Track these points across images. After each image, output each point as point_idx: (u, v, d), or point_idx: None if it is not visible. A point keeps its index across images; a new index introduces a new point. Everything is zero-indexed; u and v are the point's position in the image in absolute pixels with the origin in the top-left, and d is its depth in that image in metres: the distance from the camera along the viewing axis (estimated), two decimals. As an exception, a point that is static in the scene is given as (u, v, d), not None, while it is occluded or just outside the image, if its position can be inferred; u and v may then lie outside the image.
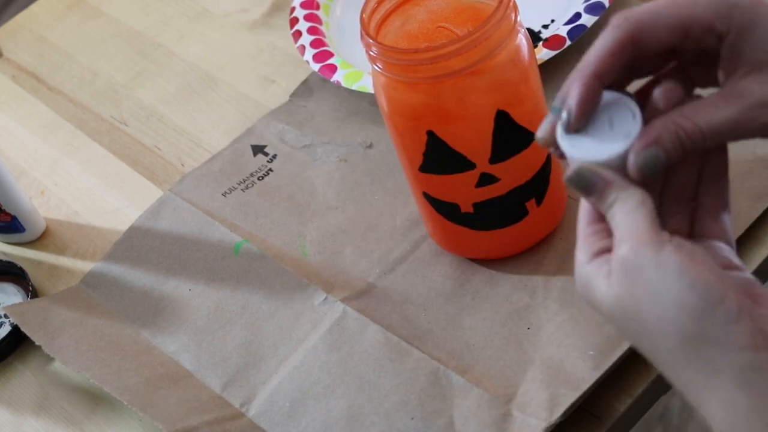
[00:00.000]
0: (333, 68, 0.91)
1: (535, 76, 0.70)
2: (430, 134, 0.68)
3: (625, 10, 0.50)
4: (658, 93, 0.50)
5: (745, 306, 0.45)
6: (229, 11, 1.07)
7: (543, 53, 0.85)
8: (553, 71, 0.87)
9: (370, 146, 0.88)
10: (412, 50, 0.65)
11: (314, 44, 0.94)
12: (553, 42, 0.86)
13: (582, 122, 0.50)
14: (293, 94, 0.95)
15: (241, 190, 0.88)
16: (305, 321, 0.77)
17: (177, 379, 0.76)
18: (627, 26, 0.49)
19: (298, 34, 0.96)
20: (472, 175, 0.70)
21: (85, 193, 0.95)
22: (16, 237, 0.91)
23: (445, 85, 0.66)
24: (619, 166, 0.50)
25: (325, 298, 0.77)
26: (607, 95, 0.51)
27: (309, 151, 0.89)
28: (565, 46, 0.86)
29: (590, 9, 0.87)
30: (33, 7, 1.17)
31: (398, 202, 0.82)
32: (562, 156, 0.51)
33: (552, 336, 0.70)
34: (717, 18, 0.48)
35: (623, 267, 0.47)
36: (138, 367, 0.77)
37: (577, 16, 0.87)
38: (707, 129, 0.48)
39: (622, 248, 0.47)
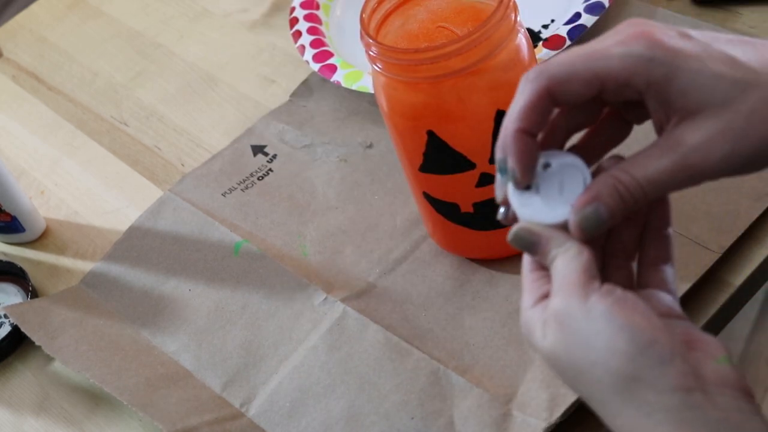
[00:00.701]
0: (333, 68, 0.91)
1: (535, 76, 0.69)
2: (430, 134, 0.68)
3: (541, 64, 0.50)
4: (606, 163, 0.51)
5: (678, 348, 0.46)
6: (229, 11, 1.07)
7: (543, 53, 0.85)
8: (553, 71, 0.87)
9: (370, 146, 0.88)
10: (412, 50, 0.65)
11: (314, 44, 0.94)
12: (553, 42, 0.86)
13: (528, 178, 0.51)
14: (293, 94, 0.95)
15: (241, 190, 0.88)
16: (305, 321, 0.77)
17: (177, 379, 0.76)
18: (541, 81, 0.49)
19: (298, 34, 0.96)
20: (472, 175, 0.70)
21: (85, 193, 0.95)
22: (16, 237, 0.91)
23: (445, 85, 0.66)
24: (564, 227, 0.51)
25: (325, 298, 0.77)
26: (567, 158, 0.52)
27: (309, 151, 0.89)
28: (565, 46, 0.86)
29: (590, 9, 0.87)
30: (33, 7, 1.17)
31: (398, 202, 0.82)
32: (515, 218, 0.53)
33: (552, 336, 0.70)
34: (632, 74, 0.48)
35: (555, 317, 0.48)
36: (138, 367, 0.77)
37: (577, 16, 0.87)
38: (645, 181, 0.49)
39: (555, 299, 0.48)
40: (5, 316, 0.85)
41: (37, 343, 0.79)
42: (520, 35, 0.67)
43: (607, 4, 0.87)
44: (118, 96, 1.03)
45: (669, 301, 0.52)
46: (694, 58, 0.48)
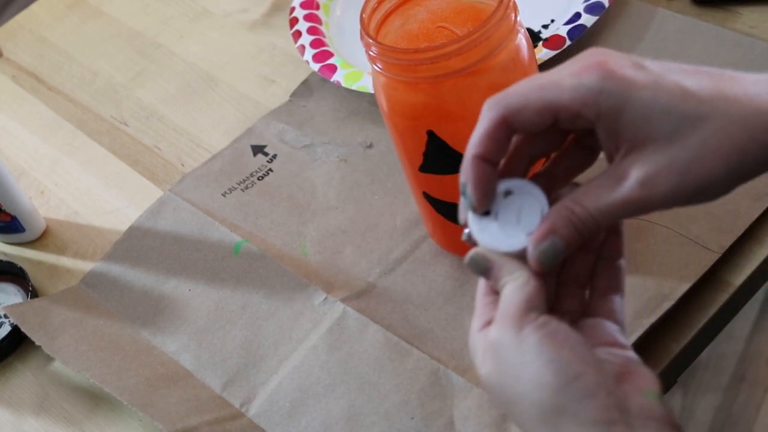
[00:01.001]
0: (333, 68, 0.91)
1: (535, 76, 0.69)
2: (430, 134, 0.68)
3: (499, 93, 0.51)
4: (565, 191, 0.52)
5: (603, 382, 0.47)
6: (229, 11, 1.07)
7: (543, 53, 0.85)
8: (553, 71, 0.87)
9: (370, 146, 0.88)
10: (412, 50, 0.65)
11: (314, 44, 0.94)
12: (553, 42, 0.86)
13: (485, 204, 0.52)
14: (293, 94, 0.95)
15: (241, 190, 0.88)
16: (305, 321, 0.77)
17: (177, 379, 0.76)
18: (497, 111, 0.50)
19: (298, 34, 0.96)
20: (472, 175, 0.70)
21: (85, 193, 0.95)
22: (16, 237, 0.91)
23: (445, 85, 0.66)
24: (519, 255, 0.52)
25: (325, 298, 0.77)
26: (527, 187, 0.53)
27: (309, 151, 0.89)
28: (565, 46, 0.86)
29: (590, 9, 0.87)
30: (33, 7, 1.17)
31: (398, 202, 0.83)
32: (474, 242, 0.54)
33: (552, 336, 0.70)
34: (583, 105, 0.49)
35: (491, 345, 0.49)
36: (138, 367, 0.77)
37: (577, 16, 0.87)
38: (597, 213, 0.50)
39: (493, 328, 0.50)
40: (5, 316, 0.85)
41: (37, 343, 0.79)
42: (520, 35, 0.67)
43: (607, 4, 0.87)
44: (118, 96, 1.03)
45: (614, 330, 0.53)
46: (645, 90, 0.48)
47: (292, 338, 0.76)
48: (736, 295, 0.72)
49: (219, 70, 1.02)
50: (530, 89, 0.50)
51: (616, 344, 0.52)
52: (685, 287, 0.69)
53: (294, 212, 0.85)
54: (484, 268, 0.52)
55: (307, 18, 0.97)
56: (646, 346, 0.69)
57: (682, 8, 0.89)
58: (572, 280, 0.55)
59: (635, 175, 0.48)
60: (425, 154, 0.69)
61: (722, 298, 0.71)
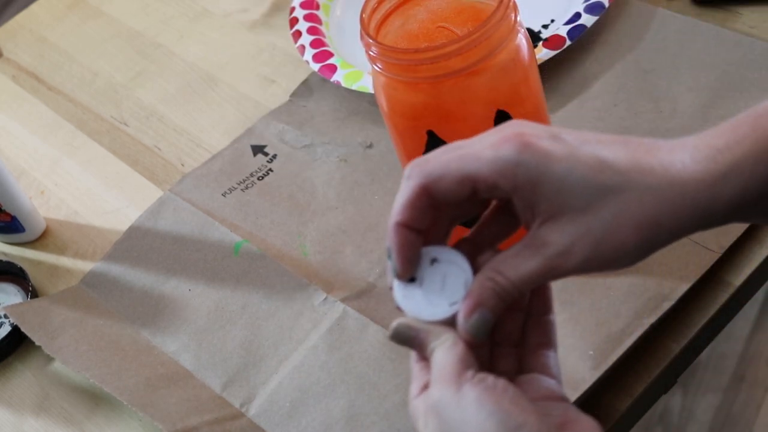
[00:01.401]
0: (333, 68, 0.91)
1: (535, 76, 0.70)
2: (430, 134, 0.68)
3: (419, 160, 0.52)
4: (483, 261, 0.53)
5: (545, 429, 0.48)
6: (229, 11, 1.07)
7: (543, 53, 0.85)
8: (553, 71, 0.87)
9: (370, 146, 0.88)
10: (412, 50, 0.65)
11: (314, 44, 0.94)
12: (553, 42, 0.86)
13: (409, 270, 0.53)
14: (293, 94, 0.95)
15: (241, 190, 0.88)
16: (305, 321, 0.77)
17: (177, 379, 0.76)
18: (417, 180, 0.51)
19: (298, 34, 0.96)
20: (472, 175, 0.70)
21: (85, 193, 0.95)
22: (16, 237, 0.91)
23: (445, 85, 0.66)
24: (443, 322, 0.53)
25: (325, 298, 0.77)
26: (451, 255, 0.54)
27: (309, 151, 0.89)
28: (565, 46, 0.86)
29: (590, 9, 0.87)
30: (33, 7, 1.17)
31: (398, 202, 0.82)
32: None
33: (552, 336, 0.70)
34: (500, 177, 0.49)
35: (432, 407, 0.50)
36: (138, 367, 0.77)
37: (577, 16, 0.87)
38: (518, 282, 0.51)
39: (432, 389, 0.50)
40: (5, 316, 0.85)
41: (37, 343, 0.79)
42: (520, 35, 0.67)
43: (607, 4, 0.87)
44: (118, 96, 1.03)
45: (550, 384, 0.54)
46: (561, 162, 0.49)
47: (292, 338, 0.76)
48: (736, 295, 0.72)
49: (219, 70, 1.02)
50: (450, 159, 0.50)
51: (554, 398, 0.53)
52: (685, 287, 0.69)
53: (294, 212, 0.85)
54: (409, 338, 0.53)
55: (307, 18, 0.97)
56: (646, 346, 0.69)
57: (682, 8, 0.89)
58: (504, 340, 0.55)
59: (551, 245, 0.50)
60: (425, 154, 0.69)
61: (722, 298, 0.71)
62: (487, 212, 0.55)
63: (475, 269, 0.53)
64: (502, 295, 0.51)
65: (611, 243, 0.49)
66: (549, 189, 0.49)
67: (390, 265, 0.53)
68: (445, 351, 0.51)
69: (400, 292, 0.53)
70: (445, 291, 0.53)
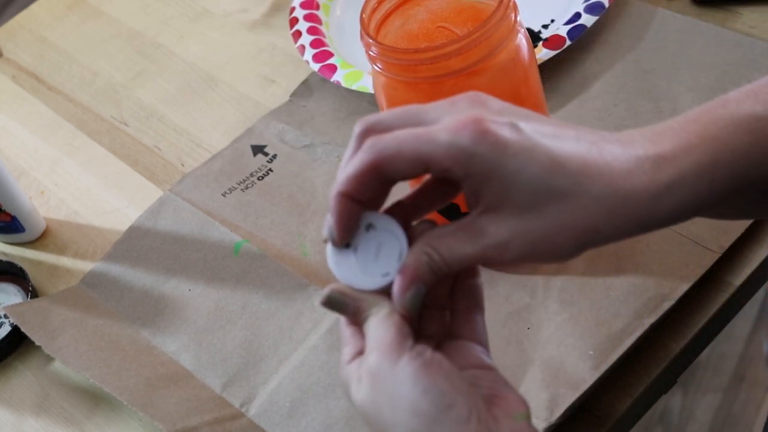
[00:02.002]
0: (333, 68, 0.91)
1: (535, 76, 0.70)
2: (430, 134, 0.68)
3: (373, 126, 0.51)
4: (420, 227, 0.54)
5: (475, 409, 0.49)
6: (229, 11, 1.07)
7: (543, 53, 0.85)
8: (553, 71, 0.87)
9: (370, 146, 0.88)
10: (412, 50, 0.65)
11: (314, 44, 0.94)
12: (553, 42, 0.86)
13: (345, 238, 0.53)
14: (293, 94, 0.95)
15: (241, 190, 0.88)
16: (305, 321, 0.77)
17: (177, 379, 0.77)
18: (370, 155, 0.51)
19: (298, 34, 0.96)
20: (472, 175, 0.70)
21: (85, 193, 0.95)
22: (16, 237, 0.91)
23: (445, 85, 0.66)
24: (374, 291, 0.53)
25: (325, 298, 0.77)
26: (388, 224, 0.53)
27: (309, 151, 0.89)
28: (565, 46, 0.86)
29: (590, 9, 0.87)
30: (33, 7, 1.17)
31: (398, 202, 0.82)
32: None
33: (552, 336, 0.70)
34: (454, 164, 0.49)
35: (368, 374, 0.50)
36: (138, 367, 0.77)
37: (577, 16, 0.87)
38: (451, 262, 0.51)
39: (370, 357, 0.51)
40: (5, 316, 0.85)
41: (37, 343, 0.79)
42: (520, 35, 0.67)
43: (607, 4, 0.87)
44: (118, 96, 1.03)
45: (479, 351, 0.54)
46: (515, 158, 0.49)
47: (292, 338, 0.76)
48: (736, 295, 0.72)
49: (219, 70, 1.02)
50: (406, 138, 0.50)
51: (482, 366, 0.53)
52: (685, 287, 0.69)
53: (294, 212, 0.85)
54: (342, 304, 0.53)
55: (307, 18, 0.97)
56: (646, 346, 0.69)
57: (682, 8, 0.89)
58: (433, 303, 0.56)
59: (490, 236, 0.50)
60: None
61: (722, 298, 0.71)
62: (428, 179, 0.55)
63: (409, 236, 0.53)
64: (435, 270, 0.51)
65: (548, 244, 0.50)
66: (499, 182, 0.49)
67: (326, 227, 0.53)
68: (381, 321, 0.51)
69: (334, 257, 0.53)
70: (379, 261, 0.53)
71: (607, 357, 0.67)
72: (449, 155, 0.49)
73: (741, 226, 0.72)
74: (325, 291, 0.53)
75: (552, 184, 0.49)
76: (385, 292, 0.53)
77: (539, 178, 0.49)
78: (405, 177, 0.51)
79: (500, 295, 0.74)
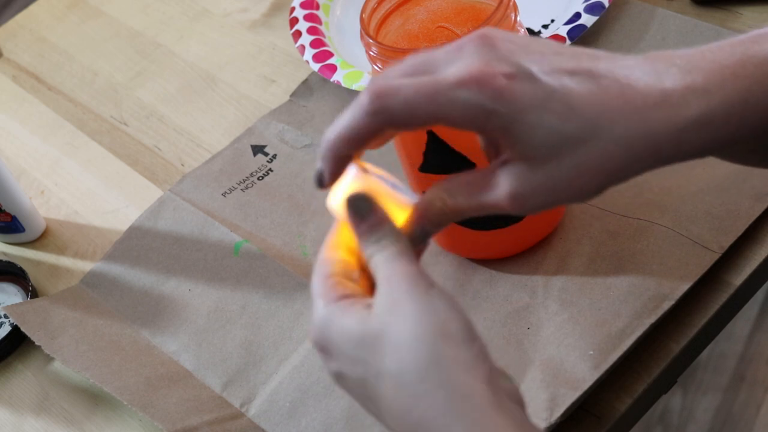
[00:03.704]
0: (333, 68, 0.91)
1: (535, 76, 0.69)
2: (430, 134, 0.68)
3: (386, 90, 0.49)
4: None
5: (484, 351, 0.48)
6: (229, 11, 1.07)
7: (543, 53, 0.85)
8: (553, 71, 0.87)
9: (370, 146, 0.88)
10: (412, 50, 0.65)
11: (314, 44, 0.94)
12: (553, 42, 0.86)
13: (333, 182, 0.53)
14: (293, 94, 0.95)
15: (241, 190, 0.88)
16: (305, 321, 0.77)
17: (177, 379, 0.76)
18: (379, 118, 0.49)
19: (298, 34, 0.96)
20: (472, 175, 0.70)
21: (85, 193, 0.95)
22: (16, 237, 0.91)
23: (445, 85, 0.65)
24: None
25: (325, 298, 0.77)
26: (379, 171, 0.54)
27: (309, 151, 0.89)
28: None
29: (590, 9, 0.87)
30: (33, 7, 1.17)
31: (398, 202, 0.82)
32: None
33: (552, 336, 0.70)
34: (470, 122, 0.49)
35: (395, 301, 0.48)
36: (138, 367, 0.77)
37: (577, 16, 0.87)
38: (466, 210, 0.52)
39: (400, 283, 0.49)
40: (5, 316, 0.85)
41: (37, 343, 0.79)
42: (520, 35, 0.67)
43: (606, 4, 0.87)
44: (118, 96, 1.03)
45: None
46: (531, 112, 0.48)
47: (292, 338, 0.76)
48: (736, 295, 0.72)
49: (219, 70, 1.02)
50: (418, 100, 0.49)
51: None
52: (685, 287, 0.69)
53: (294, 212, 0.85)
54: (366, 212, 0.52)
55: (307, 18, 0.97)
56: (646, 346, 0.69)
57: (682, 8, 0.89)
58: None
59: (508, 187, 0.50)
60: (425, 154, 0.69)
61: (722, 298, 0.71)
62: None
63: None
64: (448, 216, 0.52)
65: (569, 191, 0.49)
66: (515, 136, 0.49)
67: (319, 169, 0.52)
68: (403, 253, 0.50)
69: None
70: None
71: (607, 357, 0.67)
72: (465, 114, 0.49)
73: (741, 226, 0.72)
74: (351, 195, 0.52)
75: (569, 132, 0.48)
76: None
77: (556, 128, 0.48)
78: (411, 131, 0.51)
79: (500, 295, 0.74)
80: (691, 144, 0.49)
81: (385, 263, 0.50)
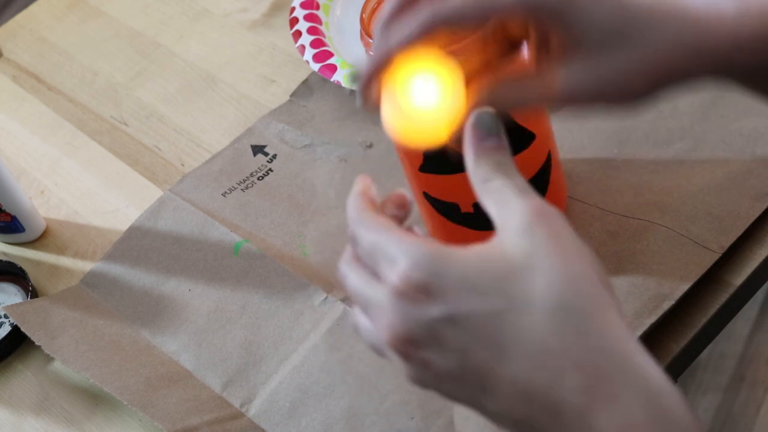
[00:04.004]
0: (333, 68, 0.91)
1: (535, 76, 0.69)
2: (430, 134, 0.68)
3: (436, 6, 0.50)
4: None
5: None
6: (229, 11, 1.07)
7: (543, 53, 0.85)
8: (553, 71, 0.87)
9: (370, 146, 0.88)
10: (412, 50, 0.65)
11: (314, 44, 0.94)
12: (553, 42, 0.86)
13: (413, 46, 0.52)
14: (293, 94, 0.95)
15: (241, 190, 0.88)
16: (305, 321, 0.77)
17: (177, 379, 0.77)
18: (428, 24, 0.50)
19: (298, 34, 0.96)
20: (472, 175, 0.70)
21: (85, 193, 0.95)
22: (16, 237, 0.91)
23: (445, 85, 0.65)
24: None
25: (326, 298, 0.77)
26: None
27: (309, 151, 0.89)
28: (565, 46, 0.86)
29: (590, 9, 0.87)
30: (33, 7, 1.17)
31: (398, 202, 0.82)
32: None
33: (552, 336, 0.70)
34: (526, 11, 0.49)
35: (546, 230, 0.46)
36: (138, 367, 0.77)
37: (577, 16, 0.87)
38: (515, 106, 0.52)
39: (548, 215, 0.47)
40: (5, 316, 0.85)
41: (37, 343, 0.79)
42: (520, 35, 0.67)
43: (607, 4, 0.87)
44: (118, 96, 1.03)
45: None
46: (585, 3, 0.48)
47: (292, 338, 0.76)
48: (736, 295, 0.72)
49: (219, 70, 1.02)
50: (469, 2, 0.49)
51: None
52: (685, 287, 0.69)
53: (294, 212, 0.85)
54: (494, 129, 0.51)
55: (307, 18, 0.97)
56: (646, 346, 0.69)
57: None
58: None
59: (557, 81, 0.50)
60: (425, 154, 0.69)
61: (722, 298, 0.71)
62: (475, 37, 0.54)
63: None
64: (506, 104, 0.51)
65: (619, 84, 0.49)
66: (568, 27, 0.49)
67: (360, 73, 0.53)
68: (529, 188, 0.49)
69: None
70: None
71: (607, 357, 0.67)
72: (515, 11, 0.49)
73: (741, 226, 0.72)
74: (483, 110, 0.51)
75: (624, 23, 0.48)
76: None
77: (611, 16, 0.48)
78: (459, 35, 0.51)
79: (500, 295, 0.74)
80: (748, 47, 0.48)
81: (520, 195, 0.48)
